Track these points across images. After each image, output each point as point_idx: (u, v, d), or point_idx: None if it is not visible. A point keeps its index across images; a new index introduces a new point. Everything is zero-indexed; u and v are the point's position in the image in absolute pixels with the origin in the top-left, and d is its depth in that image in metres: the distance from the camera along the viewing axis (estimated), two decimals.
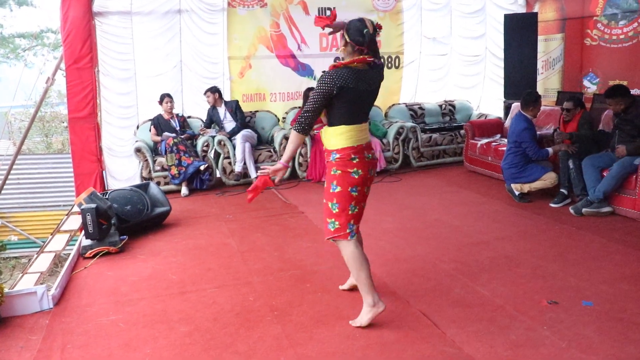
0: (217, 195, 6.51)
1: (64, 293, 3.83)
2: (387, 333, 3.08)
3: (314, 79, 8.13)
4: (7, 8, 14.88)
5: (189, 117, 7.37)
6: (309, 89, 7.36)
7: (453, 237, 4.70)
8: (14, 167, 8.57)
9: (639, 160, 5.00)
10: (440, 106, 8.60)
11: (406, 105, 8.37)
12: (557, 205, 5.52)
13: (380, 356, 2.85)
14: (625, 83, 6.78)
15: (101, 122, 6.95)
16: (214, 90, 7.12)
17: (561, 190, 5.57)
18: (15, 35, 15.04)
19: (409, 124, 7.69)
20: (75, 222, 5.26)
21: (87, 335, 3.20)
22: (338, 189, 3.04)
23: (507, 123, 7.34)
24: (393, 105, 8.35)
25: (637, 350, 2.80)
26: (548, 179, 5.62)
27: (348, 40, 2.98)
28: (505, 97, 8.15)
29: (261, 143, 7.42)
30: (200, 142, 6.84)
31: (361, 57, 2.97)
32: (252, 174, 6.83)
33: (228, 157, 6.92)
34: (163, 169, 6.65)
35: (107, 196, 5.01)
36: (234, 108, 7.19)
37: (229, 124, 7.15)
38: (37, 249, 5.59)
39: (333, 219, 3.07)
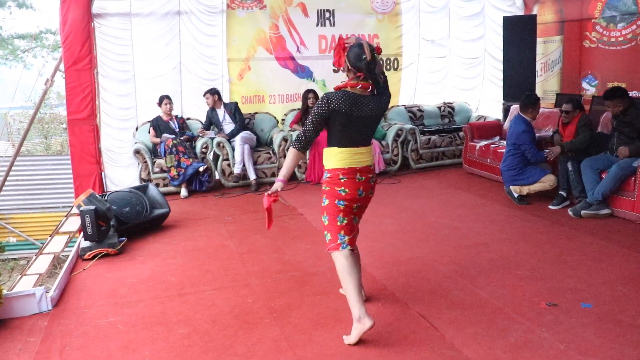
0: (216, 197, 6.51)
1: (62, 295, 3.83)
2: (386, 335, 3.08)
3: (313, 80, 8.14)
4: (7, 10, 14.87)
5: (188, 118, 7.37)
6: (308, 91, 7.37)
7: (452, 239, 4.70)
8: (13, 168, 8.55)
9: (638, 162, 5.00)
10: (439, 108, 8.60)
11: (405, 107, 8.38)
12: (556, 207, 5.52)
13: (378, 358, 2.85)
14: (623, 85, 6.79)
15: (100, 124, 6.95)
16: (213, 92, 7.12)
17: (560, 192, 5.58)
18: (14, 36, 15.03)
19: (408, 125, 7.70)
20: (74, 223, 5.26)
21: (86, 337, 3.20)
22: (327, 202, 3.13)
23: (506, 125, 7.35)
24: (392, 107, 8.36)
25: (636, 351, 2.80)
26: (547, 181, 5.62)
27: (349, 66, 3.02)
28: (504, 99, 8.15)
29: (260, 145, 7.42)
30: (199, 143, 6.84)
31: (362, 82, 2.99)
32: (251, 175, 6.83)
33: (227, 159, 6.92)
34: (162, 171, 6.64)
35: (106, 198, 5.01)
36: (233, 110, 7.19)
37: (228, 125, 7.15)
38: (36, 251, 5.58)
39: (326, 231, 3.14)
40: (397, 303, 3.48)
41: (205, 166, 6.60)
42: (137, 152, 6.60)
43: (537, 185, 5.67)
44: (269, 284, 3.89)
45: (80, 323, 3.39)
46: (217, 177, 7.05)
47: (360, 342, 2.99)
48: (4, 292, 3.47)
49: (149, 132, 6.94)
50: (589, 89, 7.71)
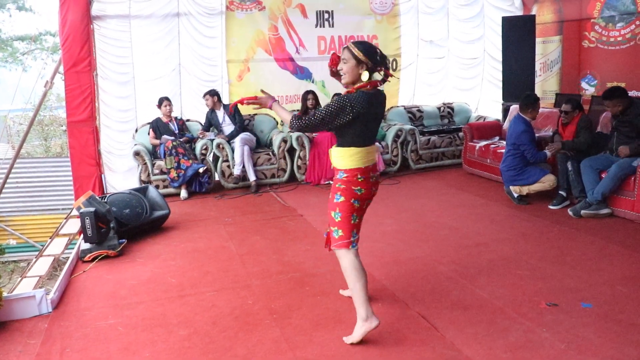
0: (216, 199, 6.51)
1: (62, 297, 3.83)
2: (386, 336, 3.08)
3: (313, 82, 8.14)
4: (7, 12, 14.89)
5: (188, 120, 7.38)
6: (307, 92, 7.37)
7: (452, 239, 4.70)
8: (13, 170, 8.57)
9: (637, 161, 5.00)
10: (439, 108, 8.60)
11: (405, 108, 8.38)
12: (555, 207, 5.52)
13: (379, 358, 2.85)
14: (623, 85, 6.79)
15: (100, 126, 6.95)
16: (213, 93, 7.13)
17: (560, 192, 5.58)
18: (13, 38, 15.05)
19: (408, 126, 7.70)
20: (74, 225, 5.26)
21: (86, 339, 3.20)
22: (342, 199, 3.06)
23: (506, 125, 7.35)
24: (391, 107, 8.36)
25: (636, 351, 2.80)
26: (547, 181, 5.62)
27: (367, 61, 2.96)
28: (503, 99, 8.15)
29: (260, 146, 7.42)
30: (199, 145, 6.84)
31: (373, 80, 3.00)
32: (251, 177, 6.83)
33: (227, 160, 6.92)
34: (162, 172, 6.64)
35: (105, 200, 5.01)
36: (233, 111, 7.19)
37: (228, 127, 7.16)
38: (36, 253, 5.58)
39: (336, 227, 3.08)
40: (397, 303, 3.48)
41: (205, 167, 6.60)
42: (136, 153, 6.60)
43: (537, 185, 5.67)
44: (269, 285, 3.89)
45: (81, 325, 3.39)
46: (216, 178, 7.06)
47: (360, 342, 2.99)
48: (4, 294, 3.47)
49: (148, 134, 6.94)
50: (588, 88, 7.72)
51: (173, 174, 6.50)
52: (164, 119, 6.91)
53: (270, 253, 4.55)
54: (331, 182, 6.86)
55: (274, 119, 7.78)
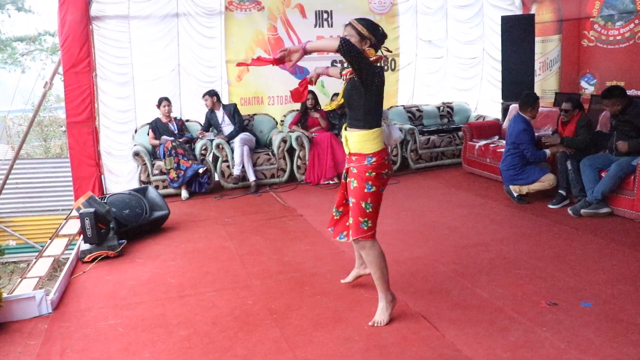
0: (216, 199, 6.51)
1: (62, 297, 3.83)
2: (387, 335, 3.08)
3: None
4: (6, 13, 14.88)
5: (187, 120, 7.37)
6: (307, 92, 7.36)
7: (452, 239, 4.70)
8: (13, 171, 8.56)
9: (637, 160, 5.00)
10: (438, 108, 8.60)
11: (404, 108, 8.38)
12: (555, 207, 5.52)
13: (379, 358, 2.85)
14: (622, 84, 6.79)
15: (99, 126, 6.95)
16: (212, 93, 7.13)
17: (559, 191, 5.58)
18: (13, 39, 15.04)
19: (407, 126, 7.70)
20: (73, 226, 5.26)
21: (86, 340, 3.20)
22: (373, 188, 3.06)
23: (505, 125, 7.35)
24: (391, 107, 8.36)
25: (636, 350, 2.80)
26: (546, 181, 5.62)
27: (370, 37, 2.98)
28: (503, 98, 8.15)
29: (259, 146, 7.42)
30: (198, 145, 6.84)
31: (379, 55, 3.03)
32: (251, 177, 6.83)
33: (226, 161, 6.92)
34: (162, 173, 6.64)
35: (105, 200, 5.01)
36: (232, 111, 7.19)
37: (227, 127, 7.15)
38: (36, 254, 5.58)
39: (366, 218, 3.09)
40: (397, 303, 3.47)
41: (205, 168, 6.60)
42: (136, 154, 6.60)
43: (536, 185, 5.67)
44: (269, 285, 3.89)
45: (81, 326, 3.39)
46: (216, 178, 7.06)
47: (360, 342, 2.99)
48: (4, 295, 3.47)
49: (147, 135, 6.94)
50: (588, 87, 7.72)
51: (172, 174, 6.50)
52: (164, 120, 6.91)
53: (270, 253, 4.55)
54: (331, 182, 6.95)
55: (274, 118, 7.78)
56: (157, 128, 6.87)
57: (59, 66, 7.02)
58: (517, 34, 7.81)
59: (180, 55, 7.47)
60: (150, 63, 7.31)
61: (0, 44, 14.91)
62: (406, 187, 6.74)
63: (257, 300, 3.62)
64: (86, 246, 4.57)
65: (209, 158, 6.92)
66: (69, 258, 4.56)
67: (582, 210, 5.19)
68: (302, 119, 7.37)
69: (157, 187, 6.27)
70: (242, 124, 7.22)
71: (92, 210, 4.49)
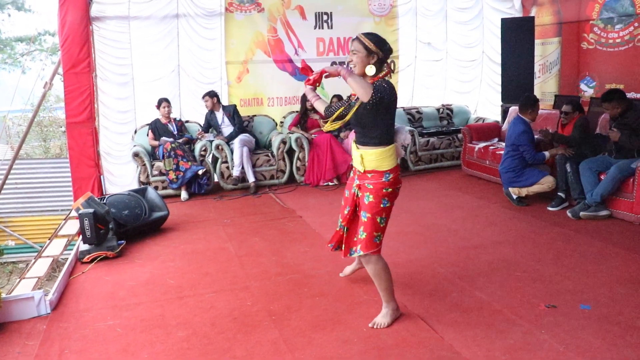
0: (215, 200, 6.51)
1: (61, 298, 3.83)
2: (385, 337, 3.07)
3: None
4: (5, 13, 14.87)
5: (187, 121, 7.37)
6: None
7: (451, 241, 4.71)
8: (12, 171, 8.56)
9: (636, 163, 5.01)
10: (438, 110, 8.61)
11: (404, 109, 8.38)
12: (554, 209, 5.53)
13: None
14: (621, 86, 6.80)
15: (99, 127, 6.95)
16: (213, 94, 7.13)
17: (559, 193, 5.58)
18: (12, 39, 15.03)
19: (407, 127, 7.68)
20: (73, 226, 5.26)
21: (85, 341, 3.19)
22: (388, 204, 3.11)
23: (505, 127, 7.36)
24: None
25: (635, 353, 2.80)
26: (546, 183, 5.62)
27: (379, 52, 3.00)
28: (502, 100, 8.15)
29: (259, 147, 7.42)
30: (198, 146, 6.84)
31: (387, 70, 3.06)
32: (250, 178, 6.83)
33: (226, 162, 6.92)
34: (161, 174, 6.64)
35: (104, 201, 5.01)
36: (232, 112, 7.20)
37: (227, 128, 7.16)
38: (35, 254, 5.58)
39: (379, 233, 3.12)
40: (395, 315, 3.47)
41: (204, 169, 6.59)
42: (135, 154, 6.60)
43: (535, 187, 5.67)
44: (268, 286, 3.89)
45: (79, 326, 3.38)
46: (216, 179, 7.05)
47: (359, 344, 3.00)
48: (3, 295, 3.47)
49: (147, 135, 6.94)
50: (587, 90, 7.72)
51: (172, 175, 6.50)
52: (163, 120, 6.91)
53: (269, 254, 4.55)
54: (330, 183, 6.95)
55: (273, 120, 7.78)
56: (157, 129, 6.87)
57: (59, 66, 7.02)
58: (517, 37, 7.82)
59: (180, 56, 7.47)
60: (150, 64, 7.31)
61: (0, 44, 14.90)
62: (405, 189, 6.67)
63: (256, 302, 3.62)
64: (85, 247, 4.56)
65: (209, 159, 6.92)
66: (68, 258, 4.55)
67: (582, 213, 5.19)
68: (302, 121, 7.37)
69: (156, 188, 6.27)
70: (241, 125, 7.22)
71: (91, 210, 4.49)
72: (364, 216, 3.12)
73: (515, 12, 8.73)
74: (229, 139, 7.02)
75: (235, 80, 7.80)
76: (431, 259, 4.29)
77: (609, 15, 7.25)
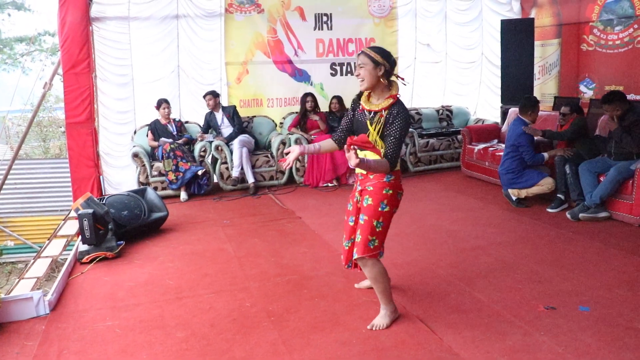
0: (215, 201, 6.51)
1: (60, 298, 3.83)
2: (384, 339, 3.08)
3: (311, 84, 8.15)
4: (5, 13, 14.87)
5: (187, 122, 7.37)
6: (306, 95, 7.38)
7: (450, 242, 4.71)
8: (11, 171, 8.55)
9: (635, 165, 5.01)
10: (438, 111, 8.61)
11: None
12: (554, 211, 5.53)
13: None
14: (621, 88, 6.80)
15: (98, 128, 6.95)
16: (215, 94, 7.14)
17: (558, 195, 5.59)
18: (12, 39, 15.03)
19: None
20: (72, 227, 5.25)
21: (84, 341, 3.19)
22: (387, 208, 3.10)
23: (504, 128, 7.36)
24: None
25: (634, 355, 2.80)
26: (545, 184, 5.63)
27: (387, 66, 3.03)
28: (502, 102, 8.16)
29: (258, 148, 7.43)
30: (197, 147, 6.84)
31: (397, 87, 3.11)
32: (250, 179, 6.83)
33: (225, 163, 6.92)
34: (160, 174, 6.64)
35: (104, 201, 5.01)
36: (232, 113, 7.20)
37: (227, 129, 7.16)
38: (34, 254, 5.57)
39: (374, 237, 3.10)
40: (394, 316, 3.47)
41: (204, 170, 6.60)
42: (135, 155, 6.60)
43: (535, 189, 5.67)
44: (267, 287, 3.88)
45: (78, 327, 3.38)
46: (215, 180, 7.05)
47: (357, 345, 3.00)
48: (2, 295, 3.47)
49: (146, 136, 6.94)
50: (587, 92, 7.73)
51: (171, 176, 6.50)
52: (163, 121, 6.91)
53: (269, 255, 4.55)
54: (329, 184, 6.95)
55: (273, 121, 7.78)
56: (156, 129, 6.87)
57: (59, 67, 7.02)
58: (517, 38, 7.82)
59: (179, 57, 7.47)
60: (150, 64, 7.31)
61: (0, 44, 14.90)
62: (405, 190, 6.68)
63: (255, 303, 3.62)
64: (84, 247, 4.56)
65: (208, 160, 6.92)
66: (67, 259, 4.55)
67: (581, 215, 5.19)
68: (302, 122, 7.38)
69: (156, 189, 6.27)
70: (241, 125, 7.22)
71: (90, 211, 4.49)
72: (362, 219, 3.12)
73: (514, 14, 8.74)
74: (229, 140, 7.02)
75: (235, 81, 7.80)
76: (430, 260, 4.29)
77: (608, 17, 7.26)
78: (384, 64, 3.01)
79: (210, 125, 7.21)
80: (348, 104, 7.41)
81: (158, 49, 7.32)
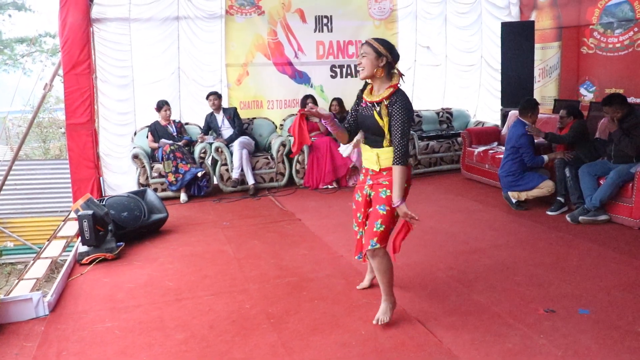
0: (214, 202, 6.51)
1: (59, 300, 3.82)
2: (383, 341, 3.07)
3: (311, 86, 8.15)
4: (6, 14, 14.88)
5: (187, 123, 7.37)
6: (307, 97, 7.38)
7: (450, 245, 4.70)
8: (11, 172, 8.54)
9: (635, 168, 5.01)
10: (438, 114, 8.61)
11: None
12: (553, 213, 5.53)
13: None
14: (621, 91, 6.81)
15: (99, 129, 6.95)
16: (219, 95, 7.16)
17: (558, 198, 5.58)
18: (13, 40, 15.03)
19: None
20: (72, 228, 5.25)
21: (83, 342, 3.19)
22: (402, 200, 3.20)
23: (504, 131, 7.36)
24: None
25: (634, 357, 2.80)
26: (545, 187, 5.63)
27: (390, 58, 3.08)
28: (502, 104, 8.17)
29: (258, 150, 7.43)
30: (197, 148, 6.84)
31: (399, 73, 3.15)
32: (250, 180, 6.83)
33: (225, 164, 6.92)
34: (160, 176, 6.64)
35: (104, 202, 5.01)
36: (232, 115, 7.20)
37: (227, 130, 7.16)
38: (34, 255, 5.56)
39: (392, 227, 3.22)
40: (395, 308, 3.47)
41: (204, 171, 6.60)
42: (135, 156, 6.60)
43: (535, 191, 5.67)
44: (267, 289, 3.88)
45: (77, 328, 3.38)
46: (215, 182, 7.05)
47: (357, 347, 3.00)
48: (1, 296, 3.47)
49: (147, 137, 6.94)
50: (587, 94, 7.73)
51: (171, 177, 6.50)
52: (162, 122, 6.91)
53: (268, 257, 4.55)
54: (329, 186, 6.94)
55: (273, 122, 7.79)
56: (156, 131, 6.87)
57: (59, 68, 7.02)
58: (517, 41, 7.83)
59: (180, 59, 7.47)
60: (151, 66, 7.32)
61: (0, 45, 14.91)
62: None
63: (255, 305, 3.62)
64: (84, 248, 4.56)
65: (208, 161, 6.93)
66: (66, 260, 4.55)
67: (581, 218, 5.19)
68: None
69: (155, 190, 6.27)
70: (241, 127, 7.23)
71: (90, 212, 4.49)
72: (383, 209, 3.16)
73: (512, 19, 8.74)
74: (229, 142, 7.02)
75: (235, 83, 7.80)
76: (430, 263, 4.29)
77: (608, 20, 7.27)
78: (387, 55, 3.05)
79: (210, 127, 7.22)
80: (348, 106, 7.43)
81: (158, 51, 7.33)
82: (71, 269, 4.43)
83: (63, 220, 5.63)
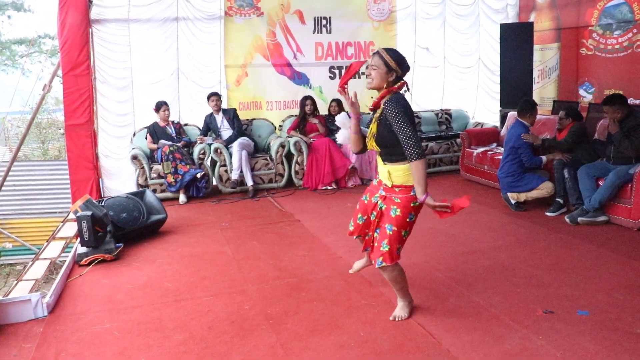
0: (214, 203, 6.51)
1: (58, 301, 3.82)
2: (382, 342, 3.07)
3: (310, 87, 8.16)
4: (5, 15, 14.88)
5: (186, 124, 7.37)
6: (306, 98, 7.38)
7: (448, 246, 4.71)
8: (10, 173, 8.54)
9: (634, 169, 5.01)
10: (437, 115, 8.62)
11: None
12: (552, 214, 5.53)
13: None
14: (620, 93, 6.81)
15: (98, 130, 6.95)
16: (221, 96, 7.16)
17: (557, 199, 5.59)
18: (12, 41, 15.04)
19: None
20: (70, 229, 5.25)
21: (82, 344, 3.19)
22: (414, 217, 3.21)
23: (504, 132, 7.36)
24: None
25: (633, 359, 2.80)
26: (544, 188, 5.63)
27: (397, 68, 3.06)
28: (501, 105, 8.17)
29: (258, 151, 7.43)
30: (196, 149, 6.84)
31: (402, 82, 3.13)
32: (249, 181, 6.83)
33: (224, 165, 6.92)
34: (159, 177, 6.64)
35: (103, 203, 5.00)
36: (232, 116, 7.20)
37: (226, 131, 7.16)
38: (32, 256, 5.56)
39: (400, 245, 3.19)
40: (392, 309, 3.46)
41: (203, 172, 6.60)
42: (134, 157, 6.60)
43: (535, 192, 5.68)
44: (266, 290, 3.88)
45: (76, 329, 3.38)
46: (214, 183, 7.05)
47: (356, 348, 3.00)
48: (0, 297, 3.46)
49: (145, 138, 6.94)
50: (586, 96, 7.74)
51: (170, 178, 6.50)
52: (162, 123, 6.91)
53: (267, 258, 4.55)
54: (328, 187, 6.94)
55: (272, 123, 7.79)
56: (155, 132, 6.87)
57: (58, 68, 7.02)
58: (516, 42, 7.83)
59: (179, 60, 7.48)
60: (150, 67, 7.32)
61: (0, 46, 14.91)
62: None
63: (254, 306, 3.62)
64: (83, 249, 4.56)
65: (207, 162, 6.93)
66: (65, 261, 4.54)
67: (580, 219, 5.19)
68: (301, 125, 7.37)
69: (154, 191, 6.27)
70: (240, 128, 7.23)
71: (89, 213, 4.49)
72: (390, 229, 3.13)
73: (509, 21, 8.74)
74: (228, 143, 7.02)
75: (234, 84, 7.81)
76: (429, 264, 4.29)
77: (607, 21, 7.28)
78: (397, 70, 3.05)
79: (209, 128, 7.21)
80: (347, 107, 7.43)
81: (158, 52, 7.33)
82: (70, 270, 4.43)
83: (62, 221, 5.63)
